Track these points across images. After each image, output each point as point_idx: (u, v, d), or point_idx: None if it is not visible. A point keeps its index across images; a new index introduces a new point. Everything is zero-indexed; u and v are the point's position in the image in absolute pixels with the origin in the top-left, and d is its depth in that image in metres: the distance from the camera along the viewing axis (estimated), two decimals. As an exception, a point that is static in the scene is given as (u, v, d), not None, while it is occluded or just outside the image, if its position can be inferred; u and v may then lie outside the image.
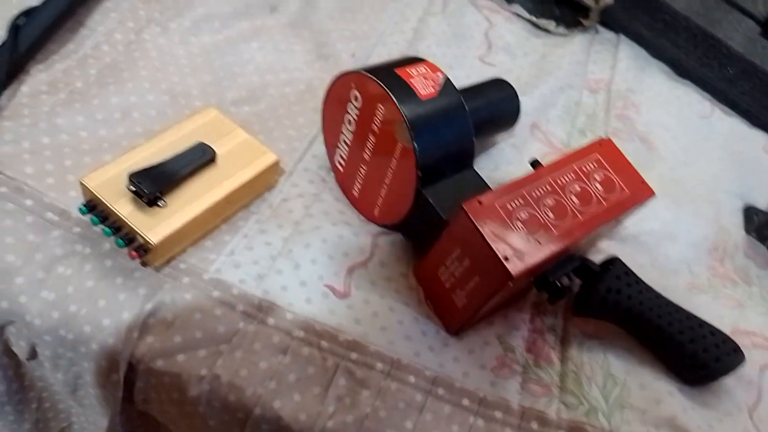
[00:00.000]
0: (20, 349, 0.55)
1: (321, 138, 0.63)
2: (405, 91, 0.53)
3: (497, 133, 0.71)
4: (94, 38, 0.66)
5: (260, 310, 0.53)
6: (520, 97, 0.69)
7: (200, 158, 0.56)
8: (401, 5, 0.83)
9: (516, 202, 0.49)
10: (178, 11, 0.72)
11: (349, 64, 0.73)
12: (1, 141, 0.57)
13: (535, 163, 0.55)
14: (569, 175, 0.53)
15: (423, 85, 0.54)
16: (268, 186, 0.60)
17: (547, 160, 0.54)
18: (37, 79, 0.62)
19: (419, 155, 0.53)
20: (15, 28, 0.61)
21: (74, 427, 0.67)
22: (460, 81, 0.60)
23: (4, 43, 0.60)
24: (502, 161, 0.71)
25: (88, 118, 0.60)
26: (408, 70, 0.55)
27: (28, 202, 0.54)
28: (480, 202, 0.48)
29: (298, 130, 0.66)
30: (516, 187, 0.51)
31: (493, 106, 0.68)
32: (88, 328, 0.51)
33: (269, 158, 0.58)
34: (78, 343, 0.51)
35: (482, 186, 0.57)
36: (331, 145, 0.62)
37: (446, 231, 0.51)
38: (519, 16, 0.89)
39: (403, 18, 0.81)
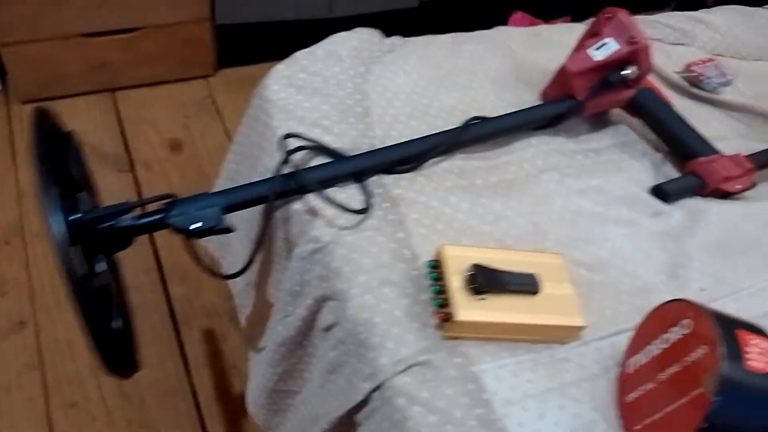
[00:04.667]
0: (323, 320, 0.70)
1: (626, 334, 0.67)
2: (735, 352, 0.54)
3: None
4: (508, 158, 0.82)
5: (487, 425, 0.58)
6: None
7: (527, 286, 0.65)
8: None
9: None
10: (581, 174, 0.83)
11: (692, 294, 0.75)
12: (407, 187, 0.75)
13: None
14: None
15: (756, 358, 0.55)
16: (561, 339, 0.66)
17: None
18: (454, 162, 0.80)
19: (713, 413, 0.53)
20: (468, 123, 0.80)
21: (298, 397, 0.81)
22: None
23: (456, 129, 0.80)
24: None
25: (472, 209, 0.75)
26: (749, 337, 0.56)
27: (400, 235, 0.70)
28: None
29: (615, 315, 0.70)
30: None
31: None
32: (377, 340, 0.63)
33: (576, 321, 0.65)
34: (362, 344, 0.64)
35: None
36: (633, 347, 0.65)
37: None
38: None
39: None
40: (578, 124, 0.90)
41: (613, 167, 0.86)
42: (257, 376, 0.89)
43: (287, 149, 0.71)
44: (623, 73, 0.84)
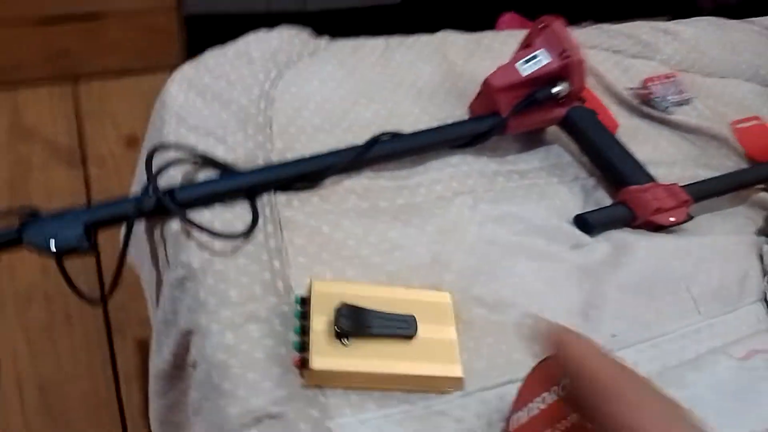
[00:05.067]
0: (190, 356, 0.64)
1: (517, 384, 0.60)
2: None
3: None
4: (421, 178, 0.75)
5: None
6: None
7: (402, 329, 0.59)
8: (711, 322, 0.73)
9: None
10: (499, 198, 0.76)
11: (602, 340, 0.68)
12: (299, 208, 0.69)
13: None
14: None
15: None
16: (439, 390, 0.60)
17: None
18: (360, 180, 0.73)
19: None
20: (374, 140, 0.74)
21: (190, 428, 0.75)
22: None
23: (358, 146, 0.73)
24: None
25: (366, 236, 0.68)
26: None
27: (277, 264, 0.64)
28: None
29: (507, 362, 0.64)
30: None
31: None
32: (229, 386, 0.57)
33: (454, 371, 0.58)
34: (216, 389, 0.58)
35: None
36: (518, 402, 0.59)
37: None
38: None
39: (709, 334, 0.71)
40: (509, 142, 0.83)
41: (537, 192, 0.79)
42: (151, 404, 0.84)
43: (153, 164, 0.66)
44: (553, 90, 0.77)
